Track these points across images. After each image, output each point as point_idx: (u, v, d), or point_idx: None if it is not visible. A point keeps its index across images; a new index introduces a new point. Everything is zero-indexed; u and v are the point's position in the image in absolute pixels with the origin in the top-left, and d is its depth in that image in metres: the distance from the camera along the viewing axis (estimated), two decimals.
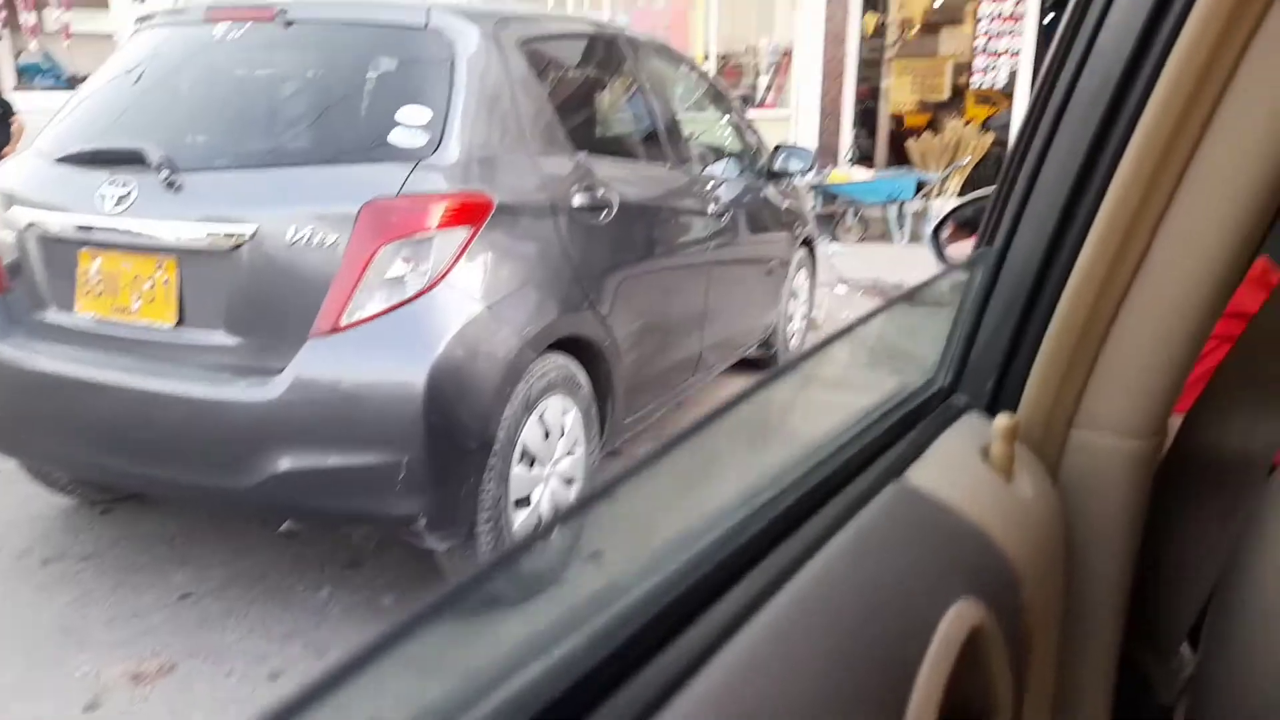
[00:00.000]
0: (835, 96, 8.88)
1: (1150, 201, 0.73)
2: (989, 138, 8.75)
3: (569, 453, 2.64)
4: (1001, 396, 0.85)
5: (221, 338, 2.27)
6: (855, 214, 8.46)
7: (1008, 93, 9.25)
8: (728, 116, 4.40)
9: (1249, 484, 0.83)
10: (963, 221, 1.69)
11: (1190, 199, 0.72)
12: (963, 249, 1.69)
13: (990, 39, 9.04)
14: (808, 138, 8.63)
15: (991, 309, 0.85)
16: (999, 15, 8.95)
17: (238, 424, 2.18)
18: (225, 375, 2.24)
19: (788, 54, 9.04)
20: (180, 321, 2.31)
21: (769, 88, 9.16)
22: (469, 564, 2.35)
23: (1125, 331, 0.77)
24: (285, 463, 2.14)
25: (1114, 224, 0.74)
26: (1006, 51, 9.00)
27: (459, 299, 2.18)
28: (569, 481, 2.66)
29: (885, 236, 8.45)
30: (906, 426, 0.79)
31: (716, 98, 4.36)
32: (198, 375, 2.25)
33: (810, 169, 4.39)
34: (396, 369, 2.11)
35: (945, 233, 1.68)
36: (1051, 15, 9.21)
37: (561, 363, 2.53)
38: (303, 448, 2.14)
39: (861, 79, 9.37)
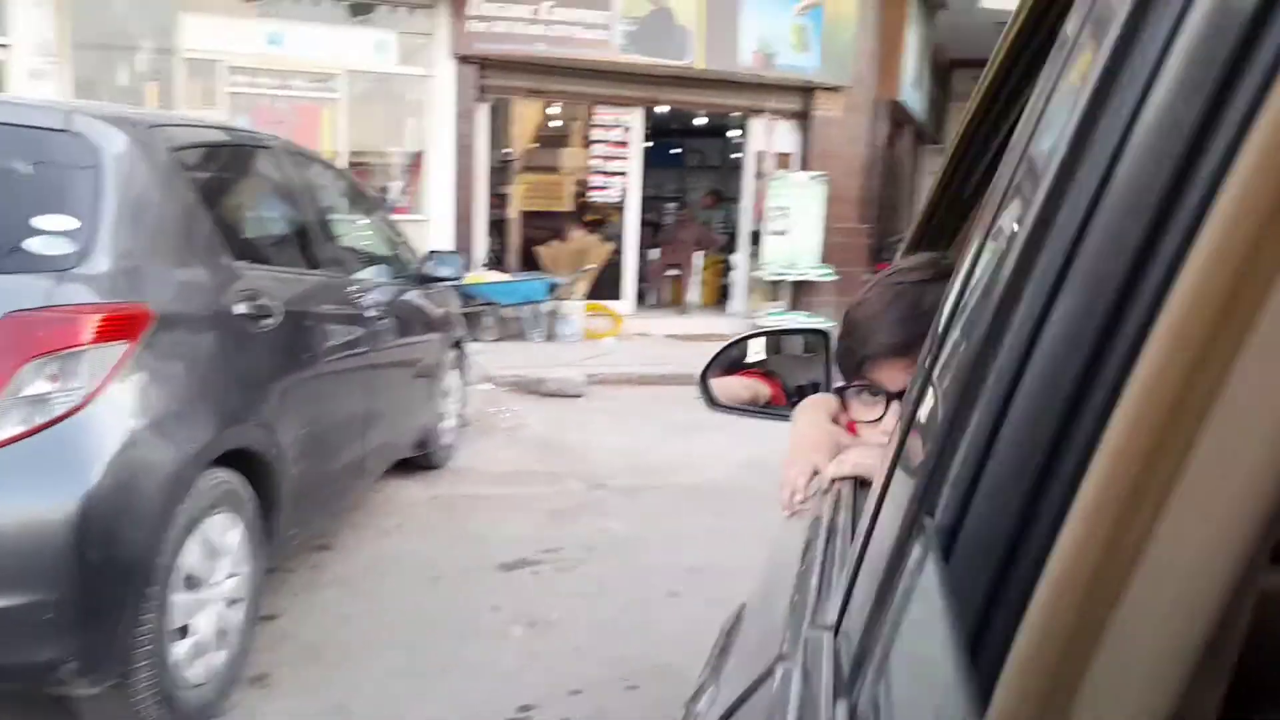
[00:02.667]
0: (468, 203, 9.30)
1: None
2: (609, 246, 9.71)
3: (233, 573, 2.50)
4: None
5: None
6: (493, 314, 8.85)
7: (619, 206, 10.40)
8: (374, 220, 4.50)
9: None
10: (729, 364, 1.65)
11: None
12: (728, 388, 1.62)
13: (603, 160, 10.13)
14: (443, 242, 8.91)
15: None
16: (609, 140, 10.09)
17: None
18: None
19: (418, 160, 9.32)
20: None
21: (403, 192, 9.33)
22: (120, 709, 2.12)
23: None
24: None
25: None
26: (618, 172, 10.14)
27: (115, 418, 2.02)
28: (233, 603, 2.51)
29: (521, 335, 8.93)
30: None
31: (361, 201, 4.45)
32: None
33: (462, 274, 4.61)
34: (42, 498, 1.89)
35: (713, 375, 1.62)
36: (650, 143, 10.59)
37: (225, 478, 2.41)
38: None
39: (492, 188, 9.93)
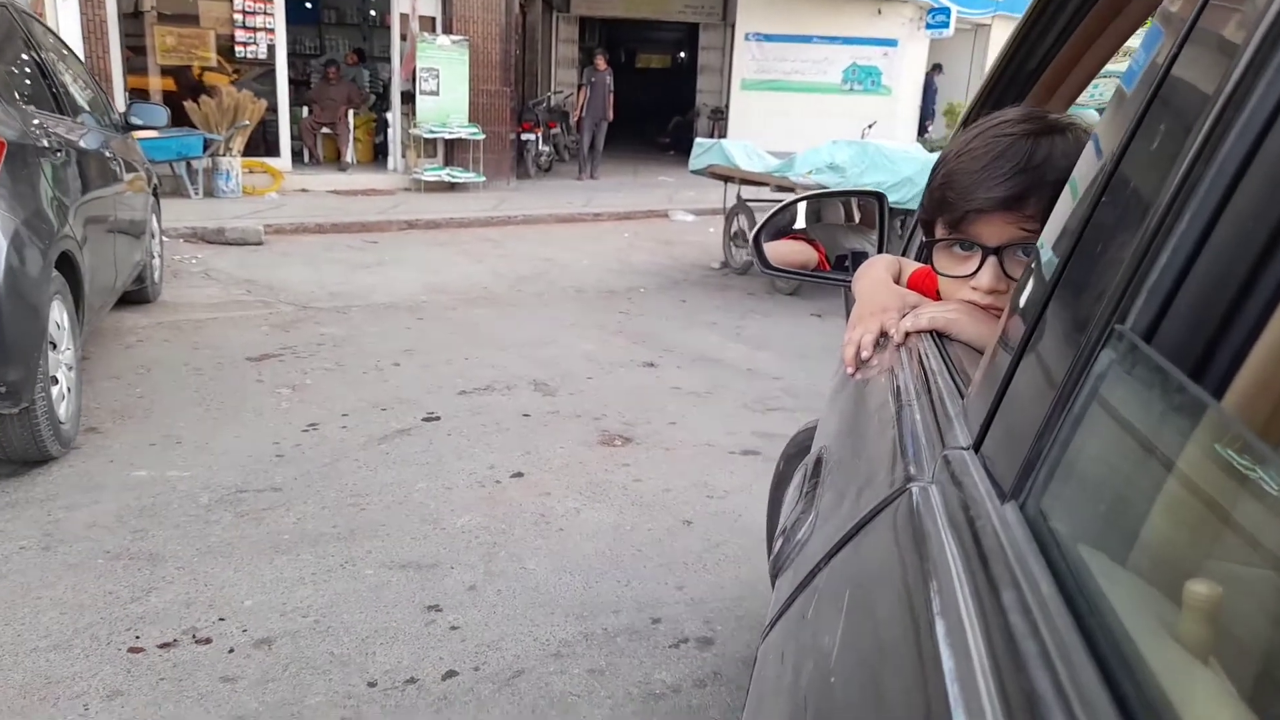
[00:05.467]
0: (103, 55, 8.95)
1: None
2: (262, 103, 9.88)
3: (68, 347, 3.28)
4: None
5: None
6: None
7: (266, 63, 10.49)
8: (75, 72, 4.86)
9: None
10: (779, 228, 1.62)
11: None
12: (779, 252, 1.59)
13: (246, 15, 10.11)
14: None
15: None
16: None
17: None
18: None
19: (38, 6, 8.69)
20: None
21: None
22: (25, 428, 2.93)
23: None
24: None
25: None
26: (264, 28, 10.20)
27: (8, 215, 2.78)
28: (70, 368, 3.31)
29: (178, 192, 9.02)
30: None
31: (67, 56, 4.79)
32: None
33: (165, 123, 5.12)
34: None
35: (765, 239, 1.58)
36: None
37: (57, 273, 3.17)
38: None
39: (128, 40, 9.53)
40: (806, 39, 15.13)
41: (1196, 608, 0.37)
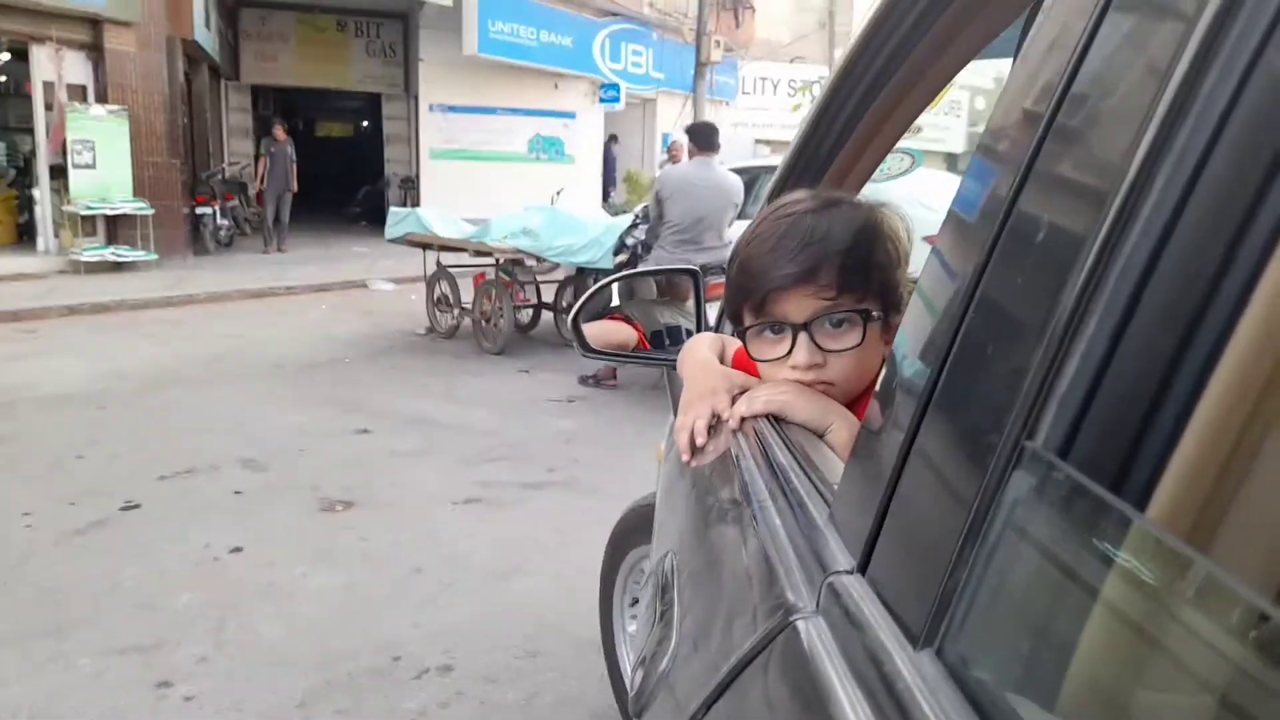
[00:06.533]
0: None
1: None
2: None
3: None
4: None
5: None
6: None
7: None
8: None
9: None
10: (598, 309, 1.56)
11: None
12: (600, 333, 1.53)
13: None
14: None
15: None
16: None
17: None
18: None
19: None
20: None
21: None
22: None
23: None
24: None
25: None
26: None
27: None
28: None
29: None
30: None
31: None
32: None
33: None
34: None
35: (584, 320, 1.53)
36: None
37: None
38: None
39: None
40: (490, 110, 15.78)
41: None
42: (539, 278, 7.51)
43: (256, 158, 13.31)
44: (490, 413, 5.28)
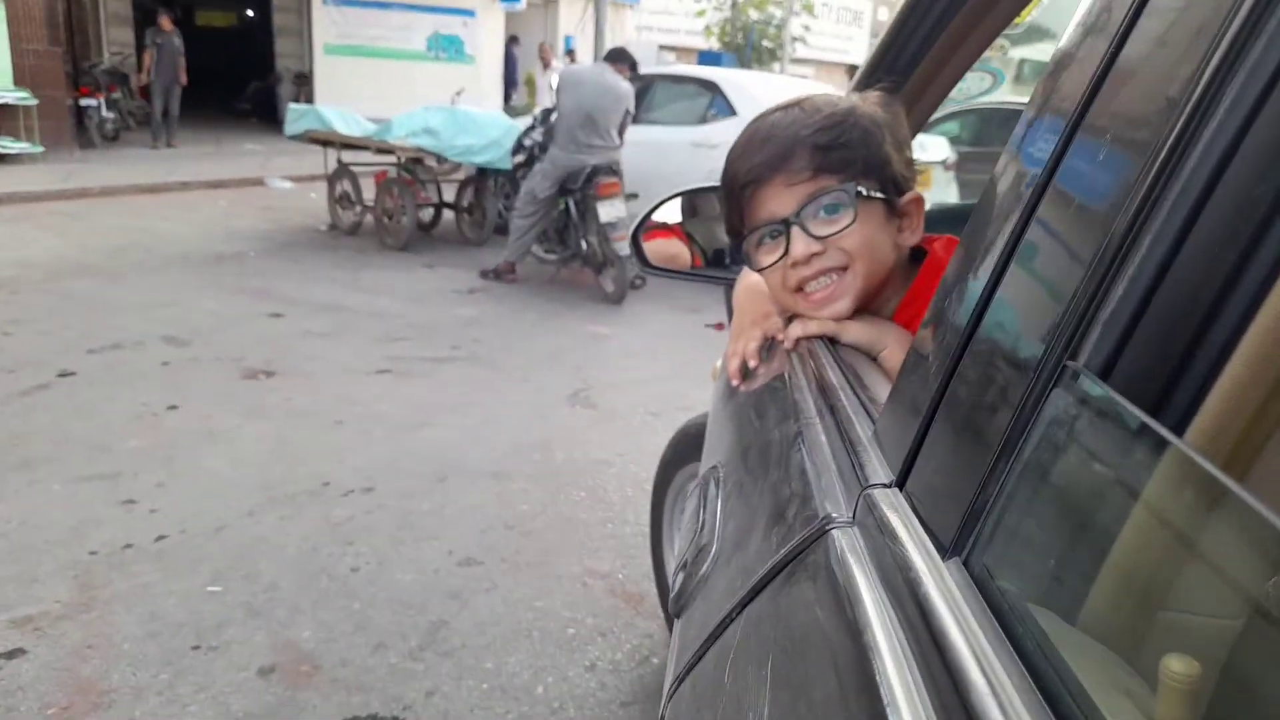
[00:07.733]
0: None
1: None
2: None
3: None
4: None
5: None
6: None
7: None
8: None
9: None
10: (659, 224, 1.57)
11: None
12: (659, 249, 1.54)
13: None
14: None
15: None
16: None
17: None
18: None
19: None
20: None
21: None
22: None
23: None
24: None
25: None
26: None
27: None
28: None
29: None
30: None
31: None
32: None
33: None
34: None
35: (644, 236, 1.55)
36: None
37: None
38: None
39: None
40: (386, 5, 15.47)
41: (1174, 687, 0.35)
42: (440, 178, 7.81)
43: (139, 48, 12.83)
44: (396, 300, 5.70)
